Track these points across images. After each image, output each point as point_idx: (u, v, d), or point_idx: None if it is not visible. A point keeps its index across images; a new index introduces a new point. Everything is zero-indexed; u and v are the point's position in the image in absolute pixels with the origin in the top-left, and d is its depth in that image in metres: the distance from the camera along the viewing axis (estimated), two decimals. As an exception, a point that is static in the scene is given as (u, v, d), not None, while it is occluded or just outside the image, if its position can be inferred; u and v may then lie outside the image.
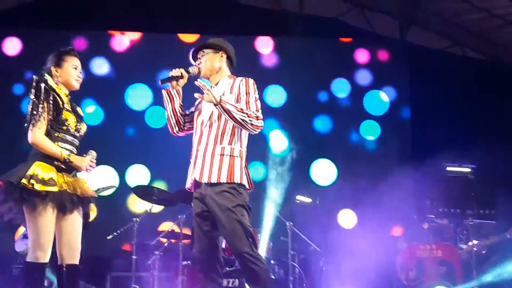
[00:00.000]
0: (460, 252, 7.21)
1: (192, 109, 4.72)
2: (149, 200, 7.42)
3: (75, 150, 4.40)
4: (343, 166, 10.04)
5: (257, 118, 4.35)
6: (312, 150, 10.01)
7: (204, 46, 4.69)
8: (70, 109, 4.41)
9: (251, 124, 4.32)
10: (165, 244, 7.55)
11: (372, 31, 10.74)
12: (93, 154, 4.47)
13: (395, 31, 10.82)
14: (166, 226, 7.90)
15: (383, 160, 9.62)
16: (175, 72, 4.54)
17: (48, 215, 4.13)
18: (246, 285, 4.42)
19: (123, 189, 9.14)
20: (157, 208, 7.98)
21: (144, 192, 7.51)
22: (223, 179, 4.29)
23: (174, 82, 4.53)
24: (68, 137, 4.35)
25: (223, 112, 4.26)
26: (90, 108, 9.60)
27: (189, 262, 7.17)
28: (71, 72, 4.47)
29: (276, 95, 10.31)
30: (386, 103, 10.50)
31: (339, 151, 10.14)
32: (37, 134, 4.19)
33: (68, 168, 4.30)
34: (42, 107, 4.20)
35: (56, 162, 4.23)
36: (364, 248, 7.63)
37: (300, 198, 7.88)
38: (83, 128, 4.52)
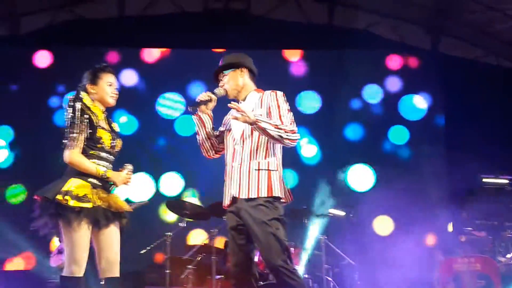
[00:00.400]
0: (498, 265, 7.07)
1: (221, 128, 4.70)
2: (182, 214, 7.42)
3: (110, 166, 4.44)
4: (379, 172, 9.98)
5: (293, 132, 4.31)
6: (345, 157, 9.99)
7: (223, 68, 4.65)
8: (105, 127, 4.44)
9: (288, 139, 4.28)
10: (198, 258, 7.52)
11: (403, 42, 10.65)
12: (128, 167, 4.50)
13: (426, 41, 10.72)
14: (199, 240, 7.87)
15: (416, 168, 9.46)
16: (203, 96, 4.51)
17: (83, 231, 4.16)
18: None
19: (157, 198, 9.26)
20: (189, 222, 7.97)
21: (177, 206, 7.52)
22: (263, 194, 4.26)
23: (203, 106, 4.50)
24: (103, 154, 4.39)
25: (259, 130, 4.22)
26: (122, 119, 9.69)
27: (222, 276, 7.13)
28: (106, 89, 4.50)
29: (309, 102, 10.31)
30: (420, 110, 10.38)
31: (372, 157, 10.09)
32: (73, 154, 4.25)
33: (103, 184, 4.34)
34: (78, 127, 4.25)
35: (90, 179, 4.27)
36: (399, 259, 7.54)
37: (333, 211, 7.80)
38: (119, 144, 4.55)
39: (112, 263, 4.36)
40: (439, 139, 10.20)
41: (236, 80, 4.59)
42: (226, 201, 4.46)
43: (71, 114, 4.27)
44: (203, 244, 7.54)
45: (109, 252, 4.36)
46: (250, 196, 4.26)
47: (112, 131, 4.54)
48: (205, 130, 4.59)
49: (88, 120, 4.31)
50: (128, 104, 9.60)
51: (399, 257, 7.67)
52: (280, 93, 4.48)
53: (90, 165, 4.28)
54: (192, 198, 9.65)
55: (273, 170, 4.35)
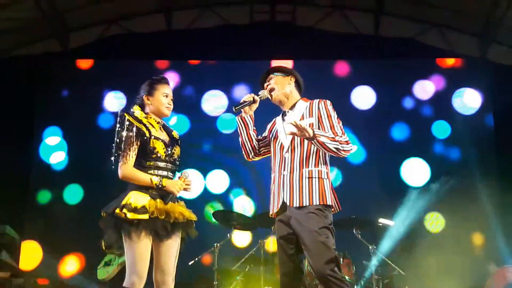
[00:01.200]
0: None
1: (265, 134, 4.73)
2: (229, 225, 7.44)
3: (171, 174, 4.44)
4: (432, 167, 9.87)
5: (347, 142, 4.31)
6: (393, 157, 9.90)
7: (273, 70, 4.70)
8: (159, 137, 4.45)
9: (344, 151, 4.28)
10: (246, 269, 7.51)
11: (451, 50, 10.52)
12: (185, 174, 4.49)
13: (475, 49, 10.56)
14: (247, 251, 7.85)
15: (467, 170, 9.33)
16: (247, 97, 4.58)
17: (143, 242, 4.18)
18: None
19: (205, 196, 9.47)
20: (237, 233, 7.97)
21: (224, 217, 7.53)
22: (315, 202, 4.24)
23: (247, 108, 4.58)
24: (161, 164, 4.40)
25: (317, 145, 4.22)
26: (172, 120, 9.81)
27: (271, 287, 7.09)
28: (162, 100, 4.55)
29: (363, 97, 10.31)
30: (470, 109, 10.21)
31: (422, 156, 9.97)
32: (124, 168, 4.28)
33: (164, 194, 4.35)
34: (127, 141, 4.29)
35: (150, 190, 4.29)
36: (449, 267, 7.43)
37: (382, 221, 7.69)
38: (176, 151, 4.55)
39: (167, 274, 4.36)
40: (489, 140, 10.00)
41: (284, 85, 4.63)
42: (275, 209, 4.43)
43: (120, 129, 4.32)
44: (251, 254, 7.49)
45: (165, 265, 4.36)
46: (303, 204, 4.24)
47: (171, 139, 4.56)
48: (247, 131, 4.63)
49: (138, 133, 4.34)
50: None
51: (449, 265, 7.55)
52: (329, 102, 4.48)
53: (143, 176, 4.30)
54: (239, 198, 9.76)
55: (324, 179, 4.34)
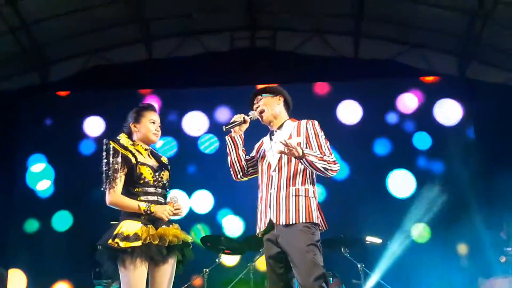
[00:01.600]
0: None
1: (253, 153, 4.77)
2: (218, 250, 7.42)
3: (161, 199, 4.44)
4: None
5: (334, 162, 4.37)
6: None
7: (262, 91, 4.76)
8: (147, 162, 4.47)
9: (331, 170, 4.33)
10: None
11: (431, 69, 10.67)
12: (174, 199, 4.49)
13: (453, 68, 10.70)
14: (236, 270, 7.84)
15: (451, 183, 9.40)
16: (237, 117, 4.63)
17: (138, 270, 4.15)
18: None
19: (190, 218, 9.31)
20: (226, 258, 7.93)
21: (212, 242, 7.51)
22: (302, 220, 4.27)
23: (236, 128, 4.61)
24: (149, 189, 4.40)
25: (306, 164, 4.27)
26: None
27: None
28: (149, 127, 4.58)
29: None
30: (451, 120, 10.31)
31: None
32: (111, 196, 4.29)
33: (155, 219, 4.33)
34: (113, 168, 4.29)
35: (142, 217, 4.29)
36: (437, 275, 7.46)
37: (370, 239, 7.72)
38: (165, 176, 4.55)
39: None
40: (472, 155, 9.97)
41: (273, 106, 4.69)
42: (262, 227, 4.45)
43: (105, 157, 4.34)
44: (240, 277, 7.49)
45: None
46: (289, 222, 4.27)
47: (160, 164, 4.58)
48: (237, 151, 4.65)
49: (124, 160, 4.35)
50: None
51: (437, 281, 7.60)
52: (316, 122, 4.54)
53: (131, 202, 4.31)
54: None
55: (311, 197, 4.38)
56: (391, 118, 10.33)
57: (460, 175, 9.29)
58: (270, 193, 4.42)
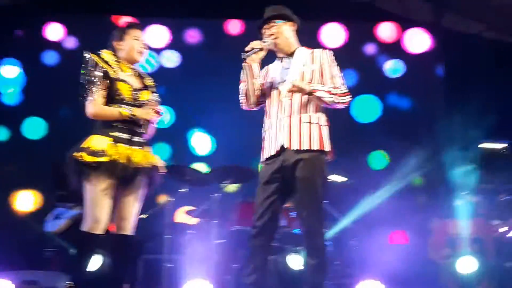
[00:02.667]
0: (493, 229, 7.17)
1: (261, 81, 4.70)
2: (184, 181, 7.35)
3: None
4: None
5: (345, 94, 4.42)
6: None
7: (276, 17, 4.67)
8: (127, 80, 4.41)
9: (340, 103, 4.40)
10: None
11: (407, 16, 10.65)
12: (151, 101, 4.47)
13: (429, 15, 10.71)
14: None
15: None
16: (255, 44, 4.54)
17: (101, 186, 4.14)
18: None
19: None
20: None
21: (179, 172, 7.36)
22: (315, 146, 4.33)
23: (254, 55, 4.53)
24: (124, 107, 4.34)
25: (314, 99, 4.33)
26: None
27: (224, 240, 7.04)
28: (133, 44, 4.51)
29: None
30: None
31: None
32: (92, 106, 4.26)
33: (131, 133, 4.32)
34: (93, 80, 4.26)
35: (113, 133, 4.25)
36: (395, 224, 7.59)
37: (333, 177, 7.72)
38: (143, 96, 4.49)
39: (125, 219, 4.35)
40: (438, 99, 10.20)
41: (287, 32, 4.65)
42: (272, 151, 4.45)
43: (85, 68, 4.30)
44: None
45: (124, 209, 4.36)
46: (301, 148, 4.32)
47: (143, 85, 4.54)
48: (253, 80, 4.59)
49: (103, 73, 4.31)
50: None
51: (395, 222, 7.77)
52: (331, 52, 4.57)
53: (111, 110, 4.28)
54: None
55: (323, 125, 4.44)
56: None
57: (424, 109, 9.58)
58: (281, 118, 4.45)
